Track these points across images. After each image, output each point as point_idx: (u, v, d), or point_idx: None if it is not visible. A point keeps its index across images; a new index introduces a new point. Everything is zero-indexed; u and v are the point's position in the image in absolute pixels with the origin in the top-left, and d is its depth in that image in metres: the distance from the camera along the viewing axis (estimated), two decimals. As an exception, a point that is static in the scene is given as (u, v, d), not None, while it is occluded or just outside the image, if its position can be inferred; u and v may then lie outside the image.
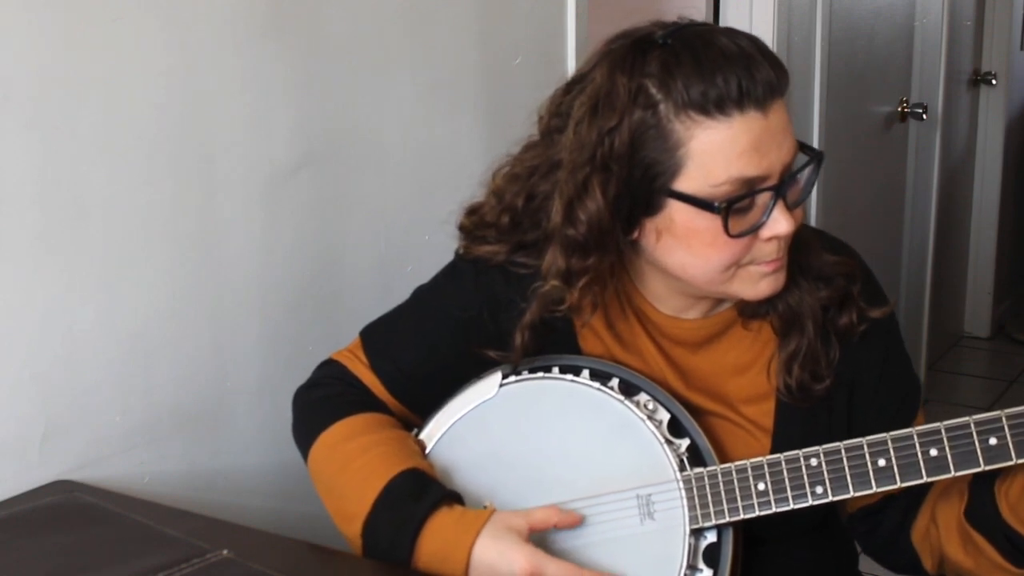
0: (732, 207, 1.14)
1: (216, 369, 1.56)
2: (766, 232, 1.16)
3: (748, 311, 1.30)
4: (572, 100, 1.21)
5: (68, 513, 1.29)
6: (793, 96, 2.90)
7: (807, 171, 1.21)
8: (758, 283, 1.21)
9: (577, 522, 1.21)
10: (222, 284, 1.55)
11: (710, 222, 1.15)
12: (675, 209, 1.17)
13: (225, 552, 1.17)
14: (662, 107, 1.14)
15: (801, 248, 1.26)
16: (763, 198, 1.16)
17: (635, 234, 1.21)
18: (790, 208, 1.17)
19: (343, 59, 1.67)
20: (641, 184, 1.16)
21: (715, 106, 1.12)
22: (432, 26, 1.83)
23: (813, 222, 3.02)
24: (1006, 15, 4.49)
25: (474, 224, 1.34)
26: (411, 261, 1.75)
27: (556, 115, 1.24)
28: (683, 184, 1.15)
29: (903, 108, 3.66)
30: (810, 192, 1.22)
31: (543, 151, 1.26)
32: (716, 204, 1.14)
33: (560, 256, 1.22)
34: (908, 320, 3.92)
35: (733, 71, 1.12)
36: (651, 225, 1.19)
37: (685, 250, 1.19)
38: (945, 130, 4.04)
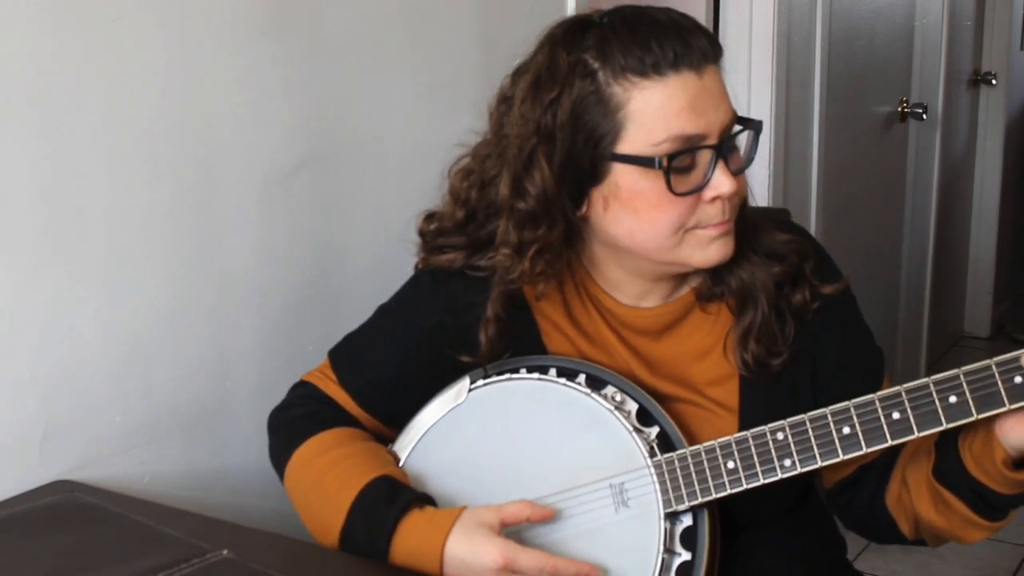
0: (673, 163, 1.17)
1: (216, 369, 1.56)
2: (709, 192, 1.20)
3: (705, 293, 1.32)
4: (516, 84, 1.26)
5: (68, 513, 1.29)
6: (793, 96, 2.91)
7: (747, 140, 1.25)
8: (707, 248, 1.23)
9: (549, 516, 1.22)
10: (222, 284, 1.55)
11: (653, 182, 1.18)
12: (619, 173, 1.20)
13: (225, 552, 1.18)
14: (600, 74, 1.18)
15: (751, 227, 1.29)
16: (704, 158, 1.19)
17: (583, 208, 1.24)
18: (734, 172, 1.21)
19: (343, 59, 1.67)
20: (585, 151, 1.20)
21: (652, 68, 1.17)
22: (432, 26, 1.83)
23: (812, 222, 3.02)
24: (1006, 15, 4.49)
25: (434, 231, 1.36)
26: (411, 261, 1.75)
27: (502, 101, 1.29)
28: (625, 146, 1.19)
29: (903, 108, 3.65)
30: (751, 160, 1.26)
31: (492, 138, 1.30)
32: (658, 160, 1.17)
33: (512, 230, 1.25)
34: (908, 320, 3.92)
35: (667, 38, 1.17)
36: (598, 195, 1.22)
37: (632, 216, 1.21)
38: (945, 130, 4.04)
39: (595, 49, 1.19)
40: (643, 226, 1.21)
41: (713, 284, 1.31)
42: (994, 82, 4.49)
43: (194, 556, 1.16)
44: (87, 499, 1.33)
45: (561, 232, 1.25)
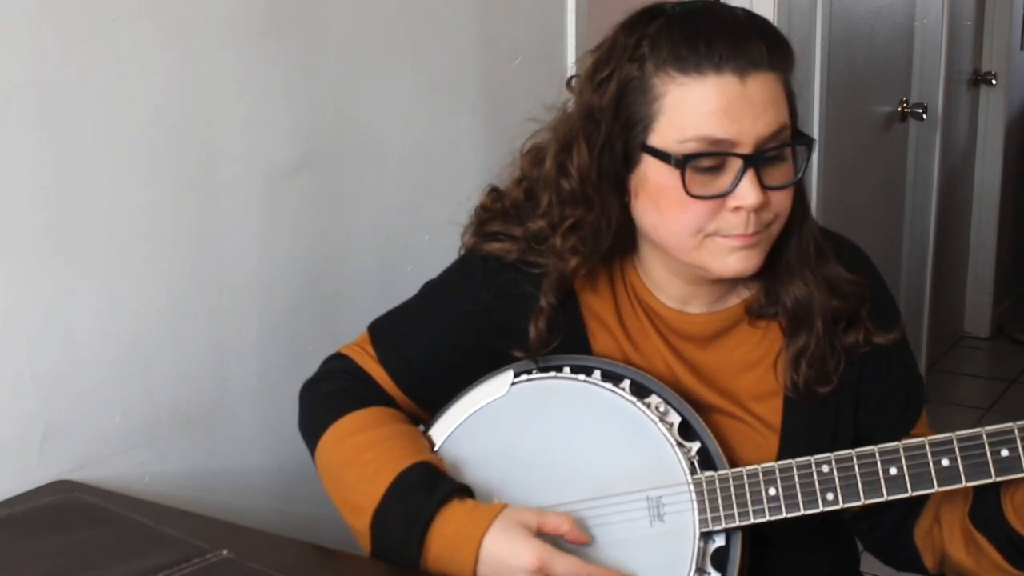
0: (693, 163, 1.16)
1: (216, 369, 1.56)
2: (732, 201, 1.17)
3: (755, 310, 1.30)
4: (585, 62, 1.27)
5: (68, 513, 1.29)
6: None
7: (796, 154, 1.21)
8: (726, 257, 1.21)
9: (584, 542, 1.21)
10: (222, 284, 1.55)
11: (675, 179, 1.17)
12: (648, 164, 1.20)
13: (225, 552, 1.17)
14: (649, 63, 1.18)
15: (816, 250, 1.27)
16: (734, 166, 1.17)
17: (626, 197, 1.24)
18: (767, 187, 1.18)
19: (343, 59, 1.67)
20: (620, 137, 1.20)
21: (693, 65, 1.16)
22: (432, 26, 1.83)
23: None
24: (1006, 15, 4.49)
25: (495, 213, 1.34)
26: (411, 261, 1.75)
27: (572, 78, 1.30)
28: (654, 138, 1.18)
29: (903, 108, 3.65)
30: (797, 179, 1.22)
31: (564, 115, 1.30)
32: (674, 158, 1.16)
33: (555, 206, 1.26)
34: (908, 320, 3.90)
35: (719, 38, 1.16)
36: (632, 184, 1.23)
37: (655, 209, 1.21)
38: (945, 130, 4.04)
39: (651, 37, 1.18)
40: (664, 222, 1.21)
41: (767, 303, 1.29)
42: (994, 82, 4.49)
43: (194, 556, 1.16)
44: (87, 499, 1.33)
45: (599, 215, 1.24)
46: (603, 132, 1.20)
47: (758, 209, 1.17)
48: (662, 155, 1.17)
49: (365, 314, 1.43)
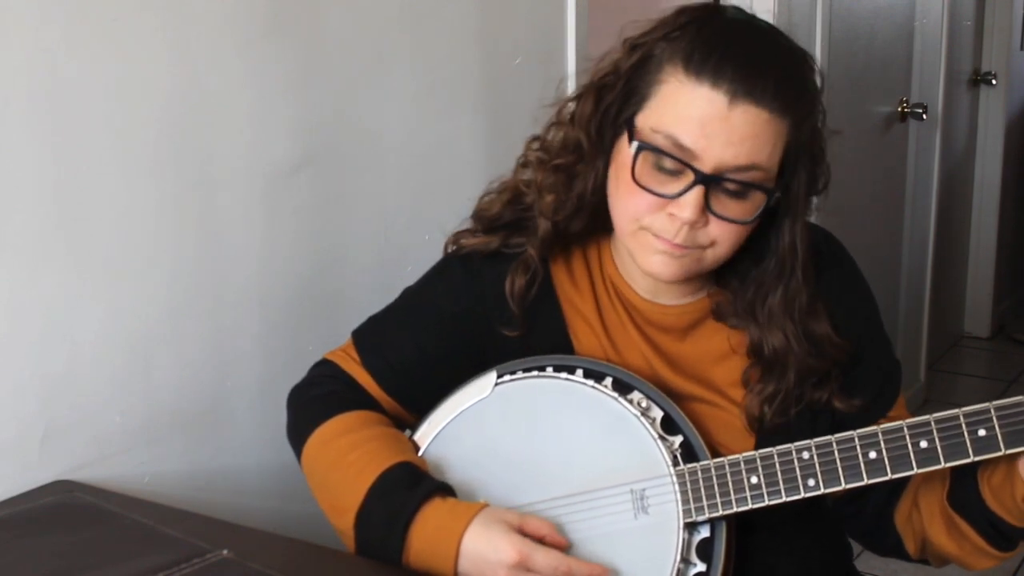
0: (641, 152, 1.20)
1: (216, 369, 1.56)
2: (671, 207, 1.20)
3: (718, 316, 1.32)
4: None
5: (68, 513, 1.29)
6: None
7: (754, 196, 1.20)
8: (650, 255, 1.24)
9: (564, 546, 1.21)
10: (222, 284, 1.55)
11: (630, 162, 1.21)
12: (623, 140, 1.24)
13: (225, 552, 1.17)
14: (668, 48, 1.21)
15: (802, 306, 1.27)
16: (689, 177, 1.19)
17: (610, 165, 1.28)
18: (712, 211, 1.19)
19: (343, 59, 1.67)
20: (618, 103, 1.24)
21: (694, 69, 1.18)
22: (432, 26, 1.83)
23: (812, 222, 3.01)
24: (1006, 15, 4.49)
25: (489, 215, 1.37)
26: (411, 261, 1.75)
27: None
28: (639, 117, 1.22)
29: (903, 108, 3.66)
30: (746, 221, 1.21)
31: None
32: (636, 141, 1.21)
33: (554, 146, 1.31)
34: (908, 320, 3.92)
35: (733, 59, 1.18)
36: (613, 152, 1.27)
37: (614, 185, 1.26)
38: (945, 130, 4.04)
39: (686, 28, 1.22)
40: (614, 201, 1.26)
41: (731, 311, 1.30)
42: (994, 82, 4.50)
43: (194, 556, 1.16)
44: (87, 499, 1.33)
45: (587, 167, 1.27)
46: (612, 93, 1.25)
47: (692, 225, 1.20)
48: (631, 135, 1.21)
49: (365, 314, 1.43)
